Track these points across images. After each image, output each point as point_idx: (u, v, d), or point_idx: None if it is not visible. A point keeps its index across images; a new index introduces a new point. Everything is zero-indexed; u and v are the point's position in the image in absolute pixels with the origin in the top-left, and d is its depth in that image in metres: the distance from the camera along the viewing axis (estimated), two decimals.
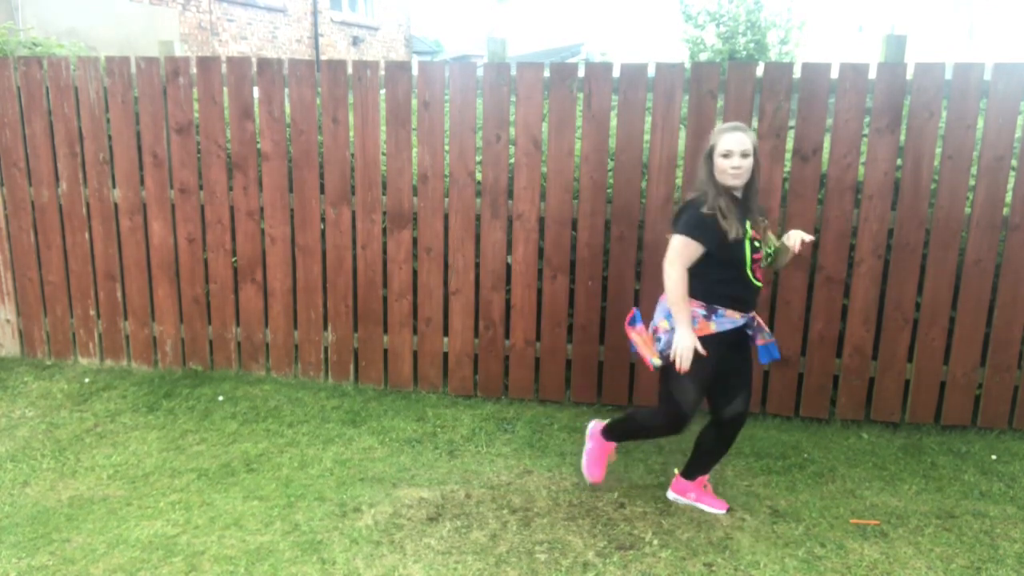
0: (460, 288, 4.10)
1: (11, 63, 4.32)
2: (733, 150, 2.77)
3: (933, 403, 3.87)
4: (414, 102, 4.01)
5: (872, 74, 3.62)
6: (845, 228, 3.74)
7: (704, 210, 2.81)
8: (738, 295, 2.88)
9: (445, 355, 4.22)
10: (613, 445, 3.22)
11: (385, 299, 4.21)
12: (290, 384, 4.31)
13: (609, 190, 3.93)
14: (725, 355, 2.91)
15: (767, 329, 3.06)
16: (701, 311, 2.87)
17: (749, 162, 2.79)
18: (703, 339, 2.85)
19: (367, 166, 4.07)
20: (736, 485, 3.34)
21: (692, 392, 2.89)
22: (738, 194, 2.85)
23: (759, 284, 2.91)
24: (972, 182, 3.71)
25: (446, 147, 4.03)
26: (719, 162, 2.80)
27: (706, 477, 3.16)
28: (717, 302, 2.87)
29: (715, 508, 3.12)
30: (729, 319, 2.88)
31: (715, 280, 2.86)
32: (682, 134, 3.81)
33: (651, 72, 3.77)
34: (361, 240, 4.15)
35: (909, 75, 3.62)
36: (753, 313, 2.97)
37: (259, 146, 4.17)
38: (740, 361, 2.97)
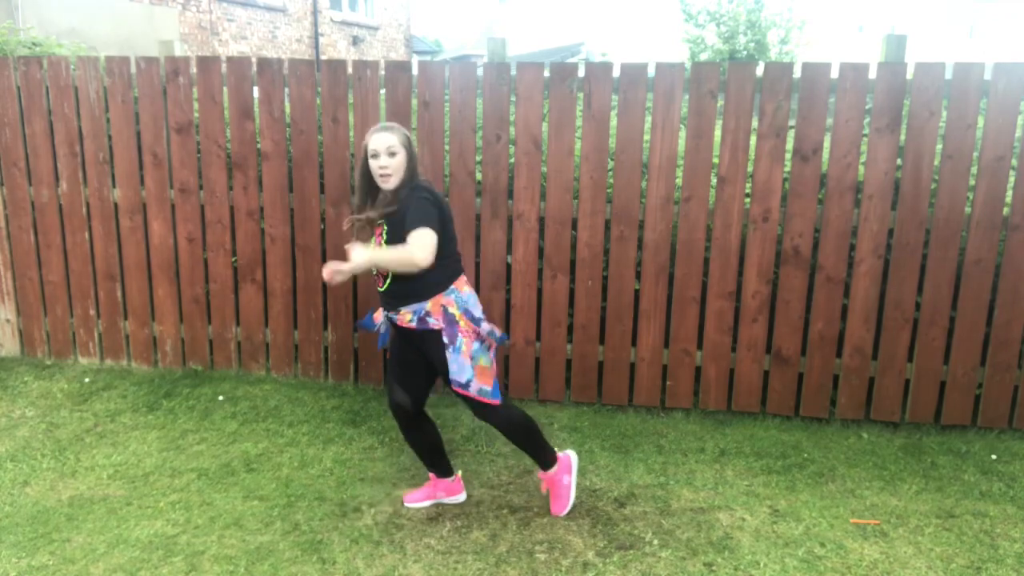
0: None
1: (11, 63, 4.32)
2: (379, 150, 2.75)
3: (933, 403, 3.87)
4: (414, 102, 4.01)
5: (872, 74, 3.62)
6: (845, 228, 3.74)
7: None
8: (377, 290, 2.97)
9: None
10: (559, 461, 3.10)
11: None
12: (290, 384, 4.31)
13: (609, 190, 3.93)
14: (398, 343, 3.00)
15: (439, 338, 2.85)
16: None
17: (397, 160, 2.75)
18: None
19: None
20: (736, 485, 3.34)
21: (389, 376, 3.04)
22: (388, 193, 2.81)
23: (380, 286, 2.89)
24: (972, 182, 3.71)
25: (446, 147, 4.03)
26: (371, 163, 2.79)
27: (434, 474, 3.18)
28: None
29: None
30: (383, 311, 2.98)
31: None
32: (682, 134, 3.81)
33: (651, 72, 3.77)
34: None
35: (909, 75, 3.62)
36: (400, 312, 2.85)
37: (259, 146, 4.17)
38: (409, 353, 2.97)
